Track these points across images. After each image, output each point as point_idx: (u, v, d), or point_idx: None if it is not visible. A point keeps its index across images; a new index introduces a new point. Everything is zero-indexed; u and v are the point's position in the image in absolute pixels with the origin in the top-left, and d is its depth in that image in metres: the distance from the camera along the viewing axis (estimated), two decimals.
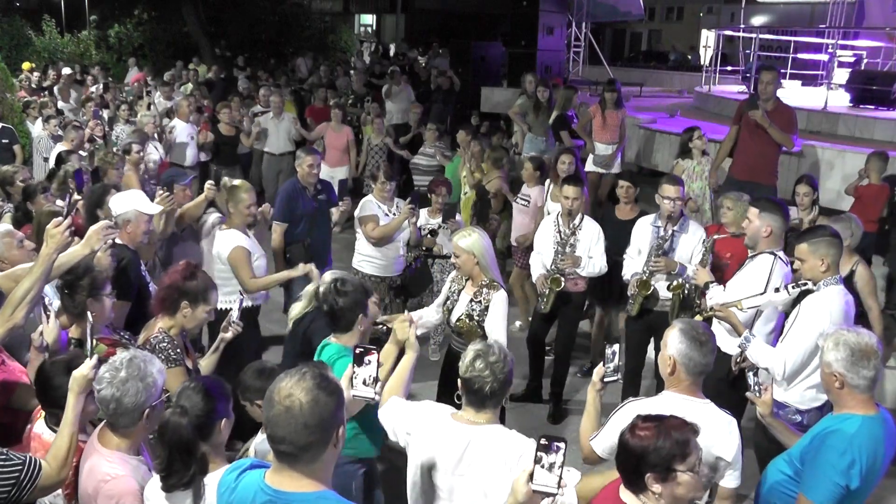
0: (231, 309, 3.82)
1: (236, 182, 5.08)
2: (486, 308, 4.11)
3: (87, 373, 2.64)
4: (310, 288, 4.12)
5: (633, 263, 5.20)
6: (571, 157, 6.83)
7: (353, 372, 2.45)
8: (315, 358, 3.34)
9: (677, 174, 7.37)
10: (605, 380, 3.07)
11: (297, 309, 4.14)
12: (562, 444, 2.10)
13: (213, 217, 5.73)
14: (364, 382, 2.42)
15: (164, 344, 3.32)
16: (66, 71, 15.21)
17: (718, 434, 2.84)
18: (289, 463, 2.00)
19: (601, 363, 3.08)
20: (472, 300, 4.18)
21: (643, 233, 5.17)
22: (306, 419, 1.93)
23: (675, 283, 4.85)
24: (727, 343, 4.20)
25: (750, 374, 3.29)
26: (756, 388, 3.22)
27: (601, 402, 3.13)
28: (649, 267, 4.99)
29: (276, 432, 1.96)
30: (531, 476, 2.11)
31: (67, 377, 2.75)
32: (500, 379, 2.67)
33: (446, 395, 4.45)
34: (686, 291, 4.91)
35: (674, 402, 2.85)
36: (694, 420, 2.59)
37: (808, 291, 3.71)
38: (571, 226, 5.37)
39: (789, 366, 3.63)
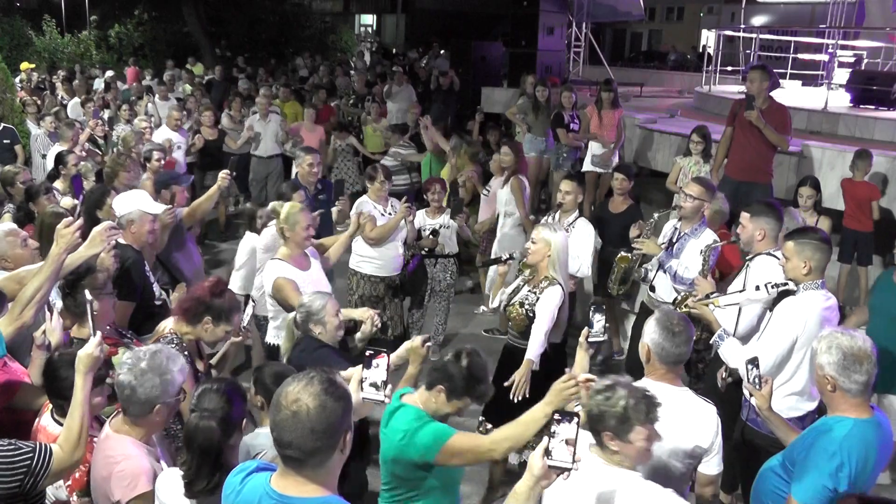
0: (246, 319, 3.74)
1: (288, 203, 4.61)
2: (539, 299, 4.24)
3: (92, 351, 2.65)
4: (288, 317, 3.87)
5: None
6: (508, 150, 7.02)
7: (363, 375, 2.44)
8: (383, 423, 2.96)
9: (674, 172, 7.43)
10: (590, 339, 3.18)
11: (284, 345, 3.82)
12: (576, 419, 2.11)
13: (270, 232, 5.08)
14: (373, 385, 2.41)
15: (174, 346, 3.31)
16: (109, 73, 15.50)
17: (694, 421, 2.89)
18: (295, 468, 2.00)
19: (586, 326, 3.21)
20: (530, 291, 4.32)
21: (666, 232, 5.16)
22: (313, 424, 1.93)
23: (679, 296, 4.70)
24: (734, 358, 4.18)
25: (751, 367, 3.26)
26: (755, 379, 3.19)
27: (588, 362, 3.25)
28: (633, 244, 5.06)
29: (282, 437, 1.95)
30: (547, 451, 2.11)
31: (73, 369, 2.77)
32: (596, 412, 2.51)
33: (499, 390, 4.47)
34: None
35: (652, 389, 2.89)
36: (671, 407, 2.62)
37: (789, 292, 3.64)
38: (565, 223, 5.40)
39: (760, 369, 3.53)
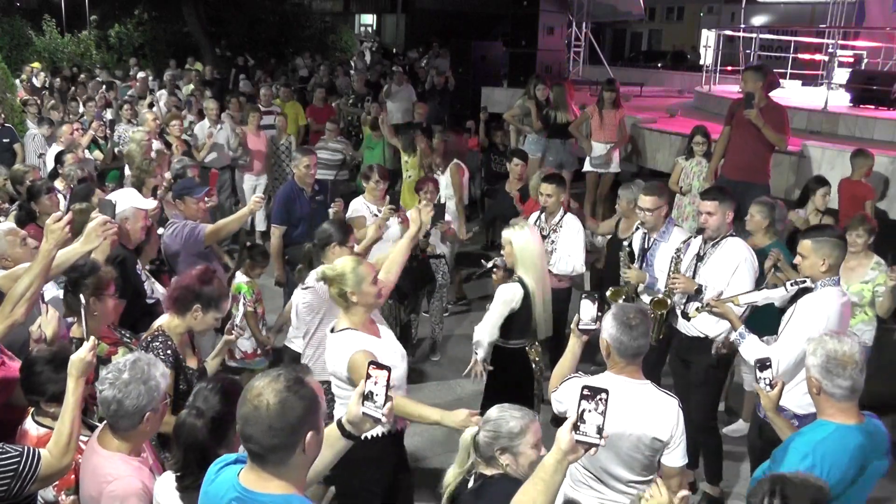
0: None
1: (342, 260, 3.49)
2: None
3: (85, 356, 2.62)
4: (467, 436, 2.76)
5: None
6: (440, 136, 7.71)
7: (365, 388, 2.36)
8: None
9: (675, 173, 7.43)
10: (581, 327, 3.17)
11: (451, 474, 2.80)
12: (605, 395, 2.08)
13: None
14: (371, 400, 2.33)
15: (157, 343, 3.31)
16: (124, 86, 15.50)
17: (654, 414, 2.93)
18: (258, 463, 2.01)
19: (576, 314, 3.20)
20: None
21: (636, 241, 5.15)
22: (272, 421, 1.93)
23: (656, 298, 4.58)
24: (712, 327, 4.27)
25: (761, 368, 3.25)
26: (766, 381, 3.21)
27: (581, 349, 3.24)
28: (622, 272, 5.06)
29: (244, 430, 1.97)
30: (575, 426, 2.10)
31: (49, 366, 2.79)
32: None
33: (492, 388, 4.38)
34: (667, 311, 4.53)
35: (612, 383, 2.96)
36: (631, 400, 2.63)
37: (807, 290, 3.71)
38: (551, 223, 5.39)
39: (782, 366, 3.61)
